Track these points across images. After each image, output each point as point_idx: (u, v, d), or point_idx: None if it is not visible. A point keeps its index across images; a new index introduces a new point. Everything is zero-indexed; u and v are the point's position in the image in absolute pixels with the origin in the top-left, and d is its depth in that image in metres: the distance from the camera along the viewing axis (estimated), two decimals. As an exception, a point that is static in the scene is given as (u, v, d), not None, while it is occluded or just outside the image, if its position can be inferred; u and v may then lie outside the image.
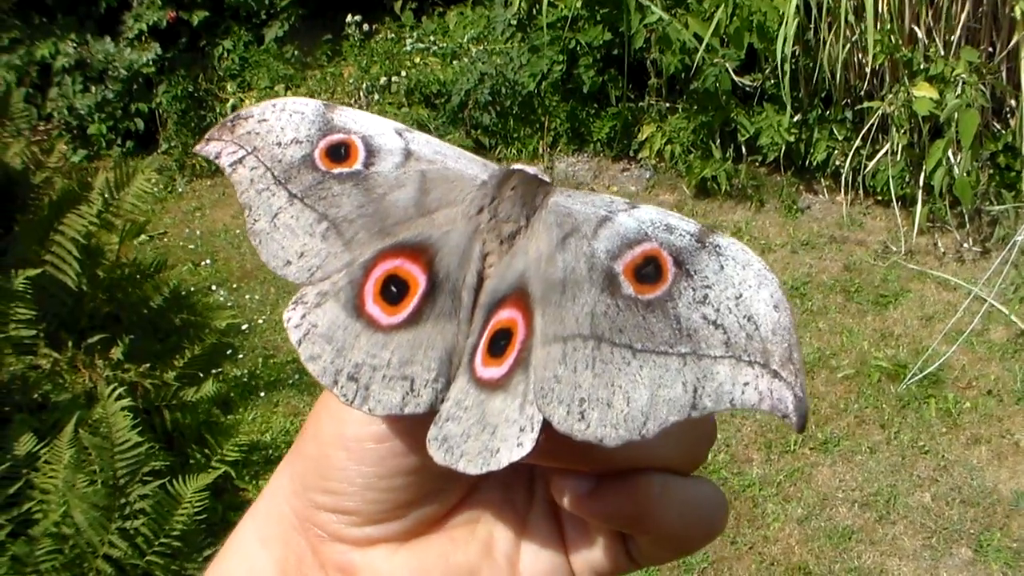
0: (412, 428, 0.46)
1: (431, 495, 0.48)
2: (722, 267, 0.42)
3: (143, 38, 5.36)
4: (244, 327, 3.77)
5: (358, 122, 0.52)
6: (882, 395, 3.30)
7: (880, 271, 3.91)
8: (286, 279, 0.49)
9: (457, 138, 4.68)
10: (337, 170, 0.51)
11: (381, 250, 0.49)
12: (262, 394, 3.45)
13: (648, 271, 0.43)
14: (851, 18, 3.98)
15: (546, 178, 0.51)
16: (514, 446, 0.42)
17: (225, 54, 5.55)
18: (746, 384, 0.40)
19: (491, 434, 0.43)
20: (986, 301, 3.58)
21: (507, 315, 0.46)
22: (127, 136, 5.30)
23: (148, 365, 2.63)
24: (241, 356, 3.64)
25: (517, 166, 0.51)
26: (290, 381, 3.55)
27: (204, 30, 5.57)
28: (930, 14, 4.02)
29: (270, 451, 3.12)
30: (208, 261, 4.47)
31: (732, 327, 0.41)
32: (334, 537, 0.48)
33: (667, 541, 0.47)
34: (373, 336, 0.47)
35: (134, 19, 5.37)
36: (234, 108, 5.12)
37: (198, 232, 4.73)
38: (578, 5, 4.42)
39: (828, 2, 3.97)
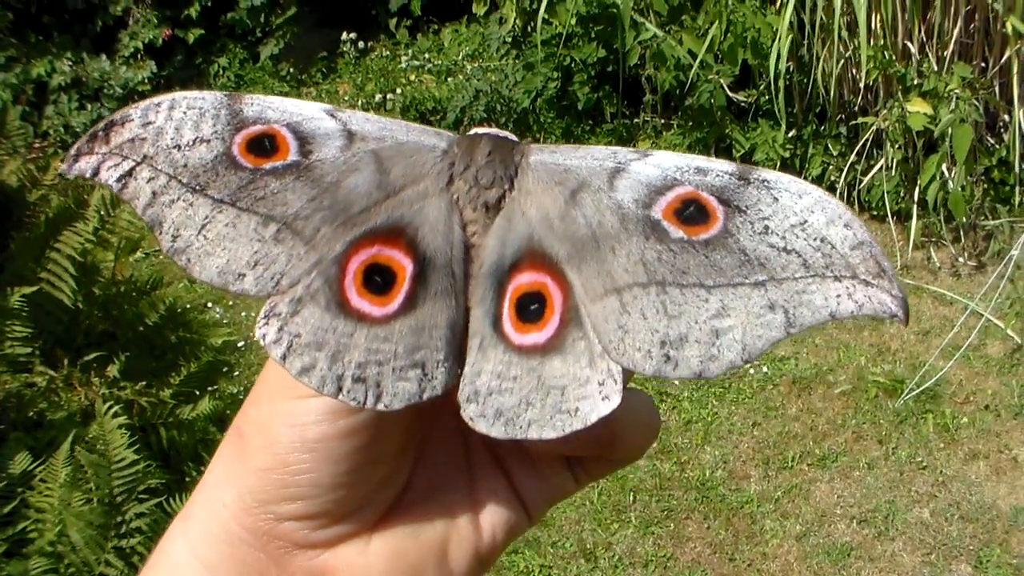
0: (373, 416, 0.45)
1: (391, 477, 0.48)
2: (776, 199, 0.43)
3: (139, 56, 5.36)
4: (240, 344, 3.76)
5: (276, 109, 0.48)
6: (879, 411, 3.30)
7: (876, 286, 3.90)
8: (242, 294, 0.45)
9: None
10: (269, 165, 0.46)
11: (352, 241, 0.45)
12: (258, 412, 3.43)
13: (691, 213, 0.44)
14: (844, 34, 4.00)
15: (514, 137, 0.49)
16: (599, 400, 0.42)
17: (221, 72, 5.56)
18: (839, 297, 0.41)
19: (560, 395, 0.43)
20: (983, 316, 3.58)
21: (528, 279, 0.45)
22: (122, 154, 5.30)
23: (144, 383, 2.62)
24: (237, 373, 3.63)
25: (481, 130, 0.49)
26: (286, 399, 3.53)
27: (200, 48, 5.57)
28: (923, 30, 4.03)
29: (266, 469, 3.09)
30: (203, 278, 4.45)
31: (805, 251, 0.42)
32: (301, 545, 0.47)
33: (623, 454, 0.48)
34: (370, 331, 0.44)
35: (130, 37, 5.37)
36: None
37: (193, 249, 4.71)
38: (572, 22, 4.43)
39: (821, 18, 3.99)
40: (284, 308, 0.44)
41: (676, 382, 3.27)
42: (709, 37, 4.10)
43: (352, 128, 0.48)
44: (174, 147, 0.46)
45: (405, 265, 0.46)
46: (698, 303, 0.42)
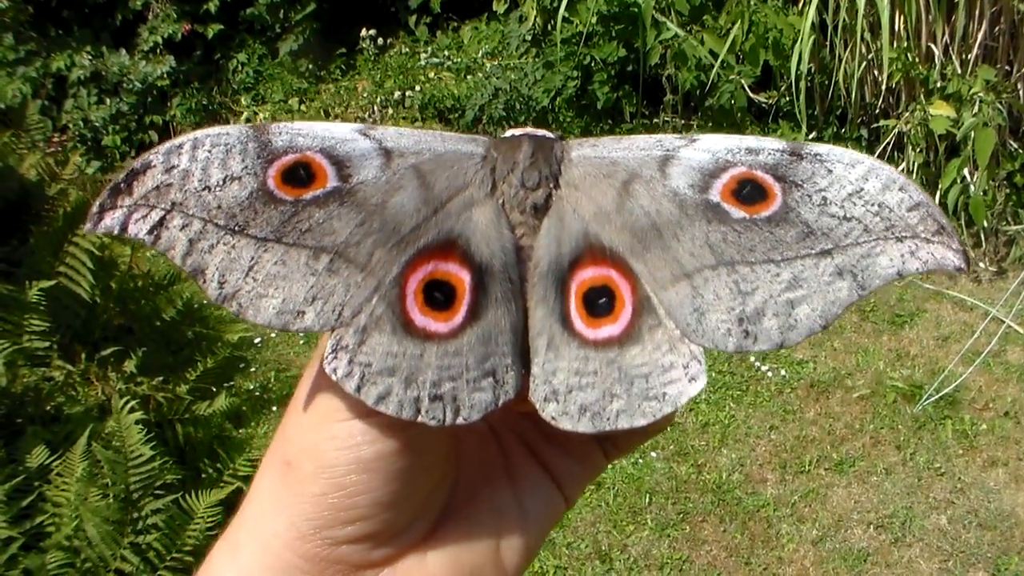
0: (425, 429, 0.45)
1: (440, 486, 0.48)
2: (830, 171, 0.44)
3: (158, 51, 5.37)
4: (257, 340, 3.76)
5: (307, 135, 0.46)
6: (898, 416, 3.27)
7: (895, 290, 3.88)
8: (305, 331, 0.44)
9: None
10: (310, 195, 0.45)
11: (407, 261, 0.45)
12: (274, 408, 3.44)
13: (749, 192, 0.45)
14: (867, 36, 3.98)
15: (552, 135, 0.49)
16: (687, 383, 0.43)
17: (239, 67, 5.56)
18: (903, 256, 0.43)
19: (645, 383, 0.43)
20: (1003, 322, 3.55)
21: (592, 274, 0.45)
22: (141, 148, 5.32)
23: (160, 378, 2.62)
24: (253, 369, 3.63)
25: (519, 131, 0.48)
26: (302, 395, 3.53)
27: (218, 43, 5.59)
28: (947, 32, 4.00)
29: (281, 465, 3.10)
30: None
31: (865, 217, 0.43)
32: (360, 567, 0.46)
33: (658, 424, 0.48)
34: (439, 347, 0.44)
35: (149, 32, 5.39)
36: (248, 120, 5.12)
37: (211, 245, 4.72)
38: (593, 21, 4.41)
39: (844, 20, 3.96)
40: (350, 339, 0.43)
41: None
42: (730, 37, 4.09)
43: (388, 146, 0.47)
44: (203, 189, 0.44)
45: (463, 277, 0.45)
46: (769, 278, 0.43)
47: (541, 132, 0.49)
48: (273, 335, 3.88)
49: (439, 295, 0.45)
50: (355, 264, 0.44)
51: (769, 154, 0.45)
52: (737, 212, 0.45)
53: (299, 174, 0.45)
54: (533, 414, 0.45)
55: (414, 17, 5.62)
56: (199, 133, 0.45)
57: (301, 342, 3.73)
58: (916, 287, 3.88)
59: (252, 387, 3.51)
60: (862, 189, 0.44)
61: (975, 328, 3.55)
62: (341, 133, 0.47)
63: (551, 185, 0.47)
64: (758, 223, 0.44)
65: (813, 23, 3.94)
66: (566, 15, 4.37)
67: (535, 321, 0.45)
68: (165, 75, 5.28)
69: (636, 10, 4.27)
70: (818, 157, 0.45)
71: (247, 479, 2.70)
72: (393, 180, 0.46)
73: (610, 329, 0.44)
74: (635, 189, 0.46)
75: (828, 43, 4.14)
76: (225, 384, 3.04)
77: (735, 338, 0.43)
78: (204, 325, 3.22)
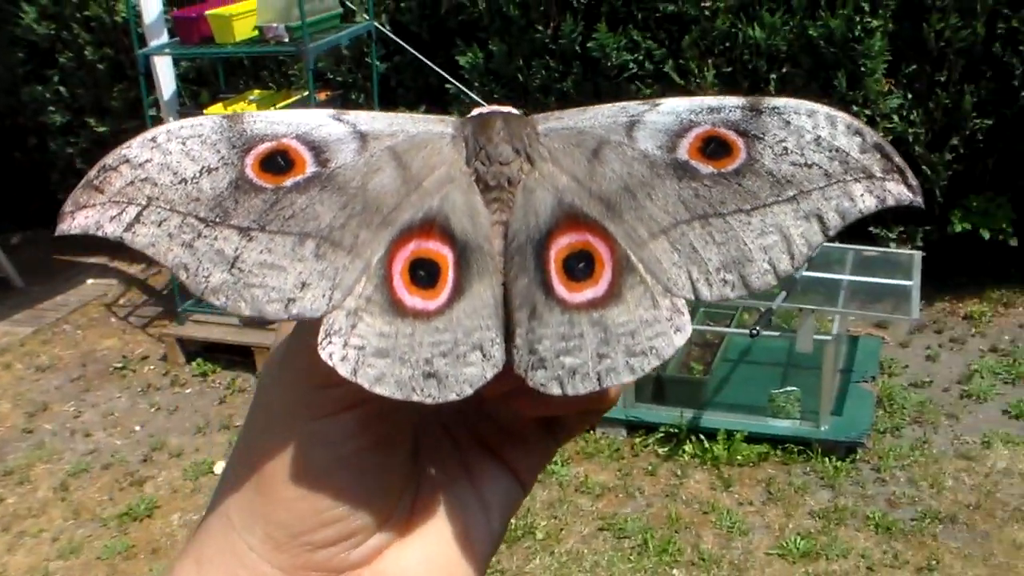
0: (399, 421, 0.46)
1: (409, 479, 0.49)
2: (788, 122, 0.46)
3: None
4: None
5: (280, 122, 0.47)
6: None
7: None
8: (298, 319, 0.43)
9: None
10: (290, 181, 0.45)
11: (392, 240, 0.45)
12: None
13: (715, 148, 0.47)
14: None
15: (518, 112, 0.49)
16: (672, 334, 0.44)
17: None
18: (862, 195, 0.45)
19: (632, 339, 0.44)
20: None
21: (569, 240, 0.46)
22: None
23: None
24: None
25: (487, 109, 0.49)
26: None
27: None
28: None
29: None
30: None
31: (823, 162, 0.45)
32: (339, 570, 0.46)
33: (608, 403, 0.50)
34: (429, 324, 0.44)
35: None
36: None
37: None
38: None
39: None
40: (343, 322, 0.43)
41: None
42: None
43: (362, 129, 0.47)
44: (180, 182, 0.44)
45: (445, 254, 0.45)
46: (742, 227, 0.45)
47: (507, 108, 0.49)
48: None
49: (424, 273, 0.45)
50: (341, 247, 0.44)
51: (730, 111, 0.47)
52: (705, 168, 0.46)
53: (277, 161, 0.45)
54: (495, 399, 0.46)
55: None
56: (172, 125, 0.45)
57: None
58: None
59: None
60: (819, 136, 0.46)
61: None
62: (315, 119, 0.47)
63: (523, 158, 0.47)
64: (726, 176, 0.46)
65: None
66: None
67: (516, 293, 0.45)
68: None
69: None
70: (776, 110, 0.47)
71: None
72: (371, 162, 0.46)
73: (592, 291, 0.45)
74: (605, 155, 0.47)
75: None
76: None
77: (715, 287, 0.45)
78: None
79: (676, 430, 4.09)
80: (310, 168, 0.46)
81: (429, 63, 4.74)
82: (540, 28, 4.89)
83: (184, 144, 0.45)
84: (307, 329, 0.44)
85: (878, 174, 0.45)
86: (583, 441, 4.12)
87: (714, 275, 0.45)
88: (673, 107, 0.48)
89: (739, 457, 3.97)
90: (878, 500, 3.75)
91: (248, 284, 0.43)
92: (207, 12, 4.59)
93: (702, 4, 4.63)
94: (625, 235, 0.46)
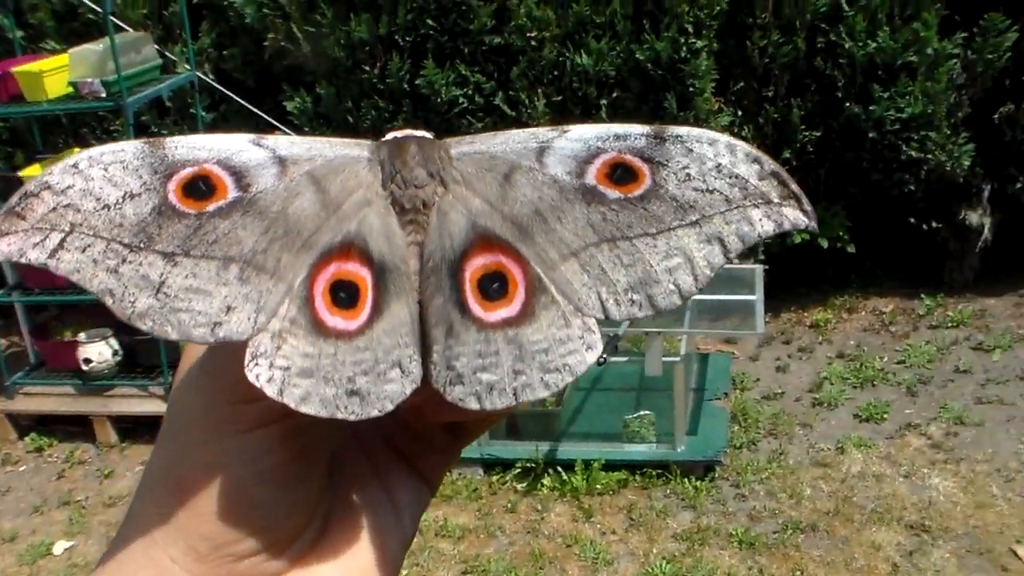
0: (317, 434, 0.47)
1: (324, 490, 0.50)
2: (691, 150, 0.48)
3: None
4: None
5: (202, 148, 0.47)
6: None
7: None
8: (225, 343, 0.44)
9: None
10: (212, 206, 0.46)
11: (313, 264, 0.46)
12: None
13: (620, 175, 0.48)
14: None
15: (431, 136, 0.50)
16: (584, 352, 0.45)
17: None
18: (760, 220, 0.47)
19: (546, 356, 0.46)
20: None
21: (483, 261, 0.47)
22: None
23: None
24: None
25: (401, 133, 0.50)
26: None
27: None
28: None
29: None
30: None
31: (724, 188, 0.47)
32: None
33: (504, 412, 0.51)
34: (351, 343, 0.45)
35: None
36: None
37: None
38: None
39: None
40: (267, 345, 0.44)
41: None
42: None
43: (281, 154, 0.48)
44: (103, 208, 0.44)
45: (364, 275, 0.46)
46: (648, 250, 0.47)
47: (421, 132, 0.51)
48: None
49: (344, 294, 0.46)
50: (264, 271, 0.45)
51: (635, 139, 0.49)
52: (612, 193, 0.48)
53: (199, 187, 0.46)
54: (408, 409, 0.47)
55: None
56: (94, 151, 0.45)
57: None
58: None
59: None
60: (720, 164, 0.48)
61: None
62: (235, 144, 0.48)
63: (437, 182, 0.49)
64: (632, 201, 0.47)
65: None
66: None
67: (432, 312, 0.47)
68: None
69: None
70: (679, 138, 0.48)
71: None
72: (291, 187, 0.47)
73: (506, 311, 0.46)
74: (516, 179, 0.49)
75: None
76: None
77: (623, 307, 0.46)
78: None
79: (533, 464, 4.02)
80: (232, 193, 0.46)
81: (256, 110, 4.61)
82: (367, 68, 4.80)
83: (106, 170, 0.45)
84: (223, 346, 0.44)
85: (776, 200, 0.47)
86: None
87: (622, 295, 0.46)
88: (581, 134, 0.49)
89: (598, 486, 3.92)
90: (740, 516, 3.75)
91: (174, 309, 0.44)
92: (14, 69, 4.36)
93: (528, 35, 4.61)
94: (537, 257, 0.47)
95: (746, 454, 4.07)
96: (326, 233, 0.47)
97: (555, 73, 4.68)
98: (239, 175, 0.47)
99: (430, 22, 4.66)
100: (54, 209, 0.44)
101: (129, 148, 0.46)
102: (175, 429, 0.48)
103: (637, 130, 0.49)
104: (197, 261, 0.45)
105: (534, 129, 0.50)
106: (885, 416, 4.18)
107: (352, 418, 0.44)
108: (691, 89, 4.53)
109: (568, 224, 0.48)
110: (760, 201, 0.47)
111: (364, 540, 0.50)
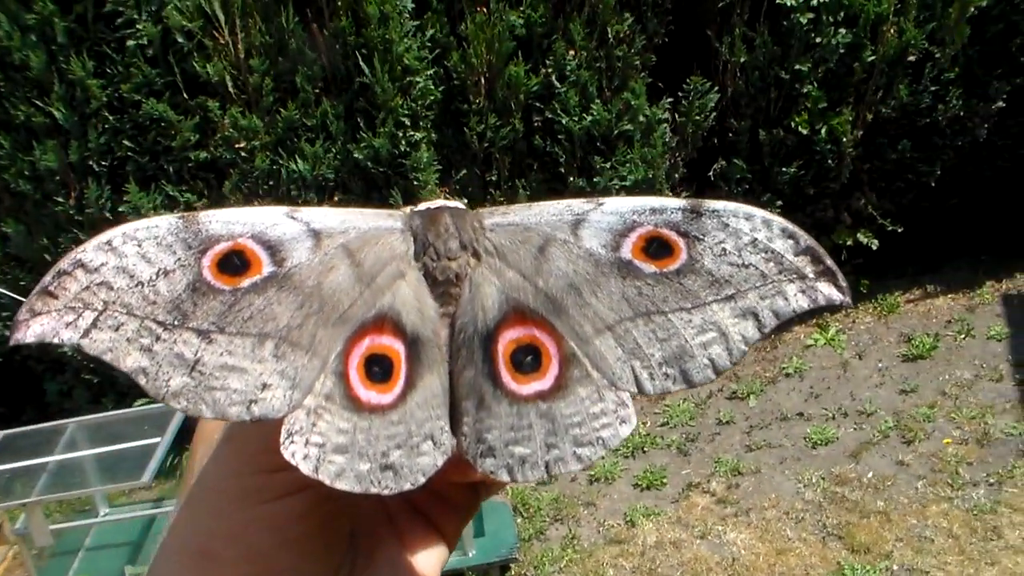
0: (342, 503, 0.48)
1: (347, 554, 0.51)
2: (727, 224, 0.48)
3: None
4: None
5: (236, 222, 0.46)
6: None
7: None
8: (261, 420, 0.43)
9: None
10: (247, 282, 0.45)
11: (348, 338, 0.46)
12: None
13: (656, 249, 0.48)
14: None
15: (463, 206, 0.50)
16: (618, 426, 0.46)
17: None
18: (795, 295, 0.47)
19: (579, 431, 0.46)
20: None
21: (516, 334, 0.47)
22: None
23: None
24: None
25: (435, 204, 0.50)
26: None
27: None
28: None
29: None
30: None
31: (759, 263, 0.47)
32: None
33: None
34: (385, 418, 0.45)
35: None
36: None
37: None
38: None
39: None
40: (303, 422, 0.43)
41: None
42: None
43: (315, 227, 0.48)
44: (136, 285, 0.43)
45: (398, 349, 0.46)
46: (683, 324, 0.47)
47: (454, 203, 0.51)
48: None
49: (378, 368, 0.46)
50: (300, 347, 0.45)
51: (671, 212, 0.49)
52: (648, 267, 0.48)
53: (234, 262, 0.45)
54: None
55: None
56: (127, 227, 0.44)
57: None
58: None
59: None
60: (756, 239, 0.48)
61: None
62: (270, 218, 0.47)
63: (469, 253, 0.49)
64: (668, 276, 0.48)
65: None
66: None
67: (462, 383, 0.47)
68: None
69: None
70: (715, 213, 0.48)
71: None
72: (325, 260, 0.47)
73: (539, 384, 0.46)
74: (551, 252, 0.49)
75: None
76: None
77: (658, 382, 0.46)
78: None
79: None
80: (266, 268, 0.46)
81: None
82: (60, 200, 4.34)
83: (140, 246, 0.44)
84: None
85: (811, 276, 0.48)
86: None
87: (657, 370, 0.47)
88: (616, 207, 0.50)
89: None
90: (547, 612, 3.53)
91: (209, 387, 0.43)
92: None
93: (236, 146, 4.33)
94: (571, 330, 0.47)
95: (537, 545, 3.89)
96: (360, 307, 0.47)
97: (271, 183, 4.43)
98: (274, 249, 0.46)
99: (127, 143, 4.31)
100: (87, 287, 0.43)
101: (163, 224, 0.45)
102: (199, 498, 0.48)
103: (673, 204, 0.49)
104: (232, 338, 0.44)
105: (569, 200, 0.50)
106: (664, 480, 4.12)
107: (386, 492, 0.44)
108: (415, 183, 4.40)
109: (603, 298, 0.48)
110: (795, 276, 0.47)
111: None
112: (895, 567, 3.40)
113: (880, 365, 4.56)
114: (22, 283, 4.42)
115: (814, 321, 4.86)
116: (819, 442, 4.12)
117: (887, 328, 4.82)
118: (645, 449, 4.35)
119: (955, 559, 3.38)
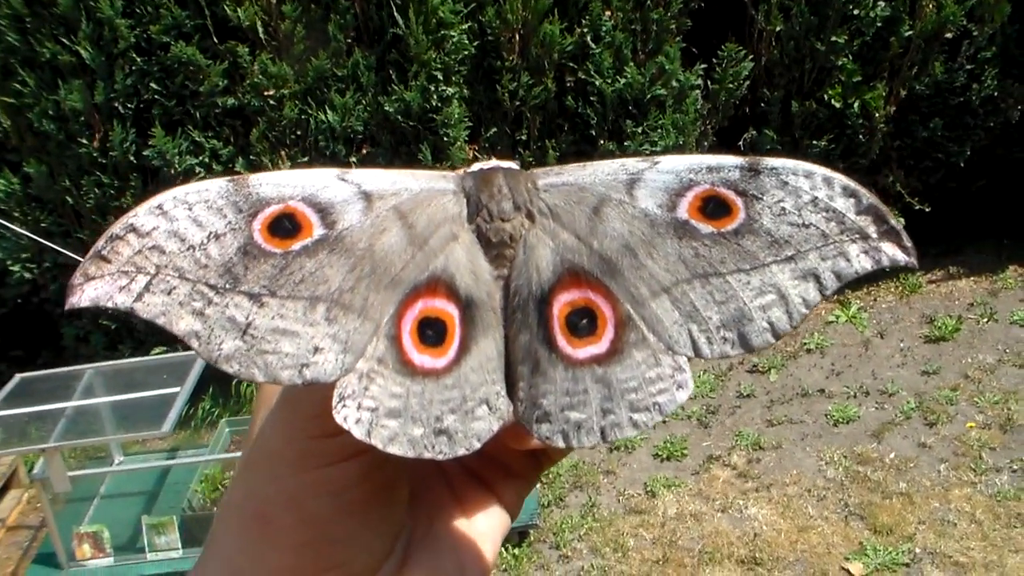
0: (399, 467, 0.48)
1: (405, 521, 0.50)
2: (786, 183, 0.47)
3: None
4: None
5: (286, 184, 0.46)
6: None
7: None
8: (313, 384, 0.43)
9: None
10: (298, 245, 0.45)
11: (400, 301, 0.45)
12: None
13: (713, 208, 0.47)
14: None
15: (517, 166, 0.49)
16: (675, 391, 0.45)
17: None
18: (858, 256, 0.46)
19: (635, 396, 0.45)
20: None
21: (571, 297, 0.46)
22: None
23: None
24: None
25: (487, 164, 0.49)
26: None
27: None
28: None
29: None
30: None
31: (820, 223, 0.46)
32: None
33: None
34: (439, 382, 0.44)
35: None
36: None
37: None
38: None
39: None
40: (356, 385, 0.43)
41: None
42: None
43: (366, 188, 0.47)
44: (187, 249, 0.43)
45: (452, 312, 0.46)
46: (741, 286, 0.46)
47: (508, 163, 0.49)
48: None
49: (431, 332, 0.45)
50: (352, 310, 0.44)
51: (729, 171, 0.48)
52: (705, 227, 0.47)
53: (284, 225, 0.45)
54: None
55: None
56: (178, 191, 0.44)
57: None
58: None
59: None
60: (816, 197, 0.46)
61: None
62: (320, 180, 0.47)
63: (523, 214, 0.48)
64: (725, 236, 0.46)
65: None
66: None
67: (517, 347, 0.46)
68: None
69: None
70: (774, 171, 0.47)
71: None
72: (377, 223, 0.46)
73: (595, 348, 0.45)
74: (606, 212, 0.48)
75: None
76: None
77: (716, 345, 0.45)
78: None
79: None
80: (317, 231, 0.46)
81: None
82: (84, 141, 4.26)
83: (191, 210, 0.44)
84: None
85: (873, 235, 0.46)
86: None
87: (714, 333, 0.46)
88: (673, 166, 0.48)
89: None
90: (567, 579, 3.53)
91: (261, 351, 0.43)
92: None
93: (265, 94, 4.26)
94: (626, 293, 0.46)
95: (557, 512, 3.87)
96: (413, 269, 0.46)
97: (298, 133, 4.37)
98: (324, 212, 0.46)
99: (154, 86, 4.23)
100: (139, 251, 0.43)
101: (213, 187, 0.45)
102: (256, 461, 0.48)
103: (731, 162, 0.48)
104: (283, 301, 0.44)
105: (624, 160, 0.49)
106: (684, 452, 4.11)
107: (440, 458, 0.44)
108: (444, 139, 4.34)
109: (659, 259, 0.47)
110: (857, 236, 0.46)
111: (445, 566, 0.50)
112: (917, 550, 3.41)
113: (902, 345, 4.56)
114: (43, 224, 4.35)
115: (835, 297, 4.84)
116: (841, 420, 4.12)
117: (909, 308, 4.81)
118: (665, 420, 4.33)
119: (978, 544, 3.39)
